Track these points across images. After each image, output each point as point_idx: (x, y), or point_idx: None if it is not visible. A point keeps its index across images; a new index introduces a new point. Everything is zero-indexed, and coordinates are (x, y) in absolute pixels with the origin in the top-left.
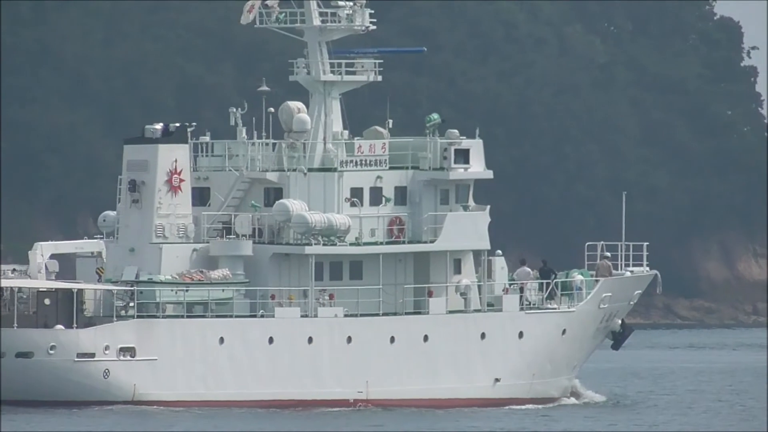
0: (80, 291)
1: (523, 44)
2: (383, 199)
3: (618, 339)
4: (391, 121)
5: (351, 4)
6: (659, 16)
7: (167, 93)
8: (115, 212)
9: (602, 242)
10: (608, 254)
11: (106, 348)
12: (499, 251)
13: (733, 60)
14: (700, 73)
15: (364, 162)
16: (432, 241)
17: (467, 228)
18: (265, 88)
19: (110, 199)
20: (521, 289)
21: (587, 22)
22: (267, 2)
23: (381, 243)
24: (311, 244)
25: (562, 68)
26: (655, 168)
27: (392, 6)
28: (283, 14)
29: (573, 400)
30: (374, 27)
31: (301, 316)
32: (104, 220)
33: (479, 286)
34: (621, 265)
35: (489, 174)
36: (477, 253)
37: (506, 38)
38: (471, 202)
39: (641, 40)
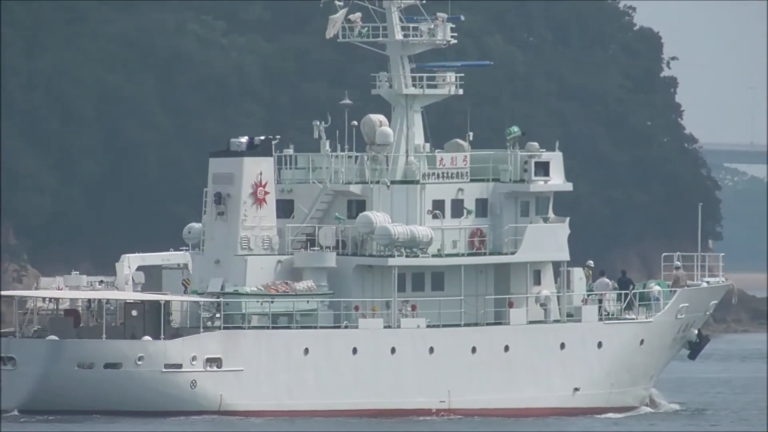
0: (167, 302)
1: (444, 55)
2: (464, 211)
3: (695, 349)
4: (471, 133)
5: (433, 18)
6: (580, 26)
7: (88, 103)
8: (199, 224)
9: (678, 253)
10: (679, 264)
11: (193, 359)
12: (591, 261)
13: (653, 70)
14: (620, 84)
15: (445, 174)
16: (512, 253)
17: (547, 239)
18: (347, 101)
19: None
20: (600, 300)
21: (507, 33)
22: (350, 17)
23: (462, 254)
24: (394, 256)
25: (483, 78)
26: (575, 178)
27: (312, 16)
28: (366, 29)
29: (650, 409)
30: (455, 41)
31: (384, 327)
32: (189, 232)
33: (558, 297)
34: (697, 275)
35: (569, 186)
36: (556, 264)
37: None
38: (551, 214)
39: (562, 51)
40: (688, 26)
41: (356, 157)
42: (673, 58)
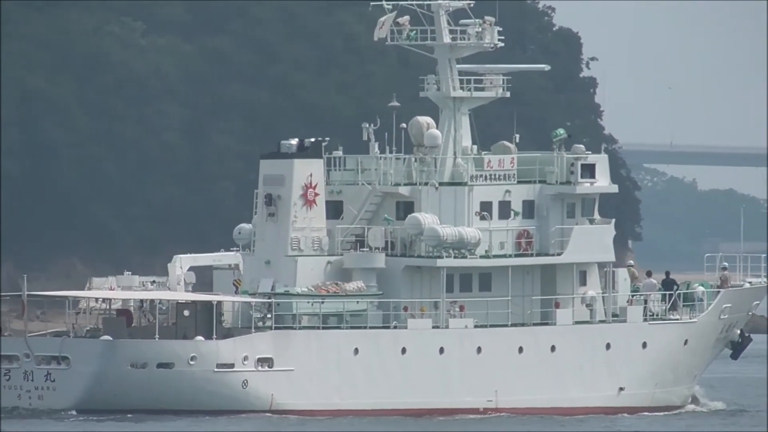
0: (219, 303)
1: (362, 55)
2: (512, 212)
3: (737, 348)
4: (518, 135)
5: (480, 21)
6: (499, 26)
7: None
8: (249, 225)
9: (721, 254)
10: (726, 264)
11: (245, 359)
12: (631, 261)
13: (572, 71)
14: (540, 85)
15: (493, 176)
16: (559, 254)
17: (593, 241)
18: (395, 103)
19: None
20: (645, 300)
21: (424, 33)
22: (398, 20)
23: (510, 255)
24: (443, 257)
25: (402, 79)
26: None
27: (230, 17)
28: (414, 32)
29: (693, 407)
30: (503, 44)
31: (433, 327)
32: (239, 233)
33: (604, 298)
34: (740, 276)
35: (614, 188)
36: (601, 265)
37: (346, 49)
38: (596, 216)
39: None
40: (607, 26)
41: (404, 159)
42: (592, 59)
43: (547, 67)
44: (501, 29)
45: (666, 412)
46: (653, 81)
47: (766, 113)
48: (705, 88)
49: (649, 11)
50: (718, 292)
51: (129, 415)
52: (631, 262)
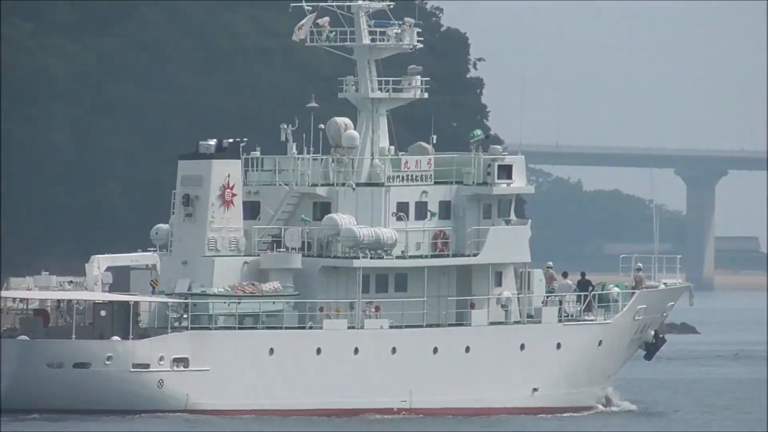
0: (136, 303)
1: (249, 56)
2: (428, 213)
3: (651, 350)
4: (435, 136)
5: (400, 23)
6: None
7: None
8: (166, 225)
9: (636, 254)
10: (640, 265)
11: (161, 359)
12: (550, 263)
13: (459, 72)
14: (426, 86)
15: (410, 177)
16: (475, 255)
17: (509, 241)
18: (313, 104)
19: None
20: (560, 301)
21: (313, 34)
22: (318, 21)
23: (426, 256)
24: (359, 258)
25: (289, 80)
26: None
27: (119, 18)
28: (334, 33)
29: (606, 408)
30: (422, 45)
31: (348, 328)
32: (156, 233)
33: (519, 298)
34: (654, 277)
35: (531, 189)
36: (517, 266)
37: (232, 50)
38: (512, 217)
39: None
40: (495, 27)
41: (322, 159)
42: (479, 59)
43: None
44: (420, 30)
45: (579, 413)
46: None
47: (651, 114)
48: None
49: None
50: (633, 293)
51: (49, 415)
52: (549, 263)
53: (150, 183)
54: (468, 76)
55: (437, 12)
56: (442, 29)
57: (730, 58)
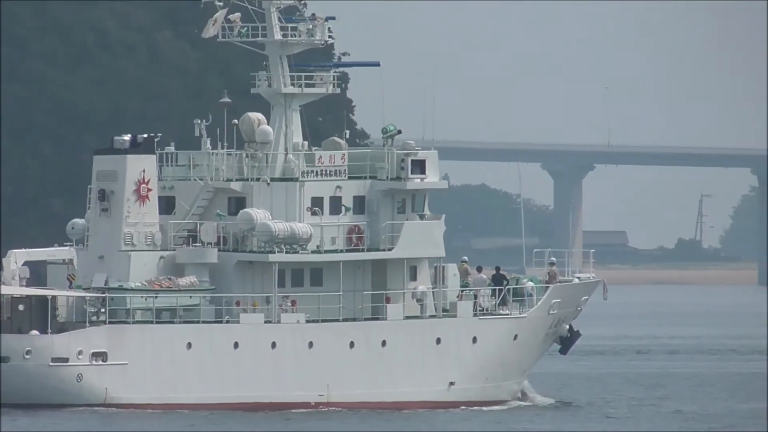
0: (54, 297)
1: (114, 51)
2: (343, 208)
3: (566, 344)
4: (348, 131)
5: (310, 18)
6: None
7: None
8: (82, 220)
9: (549, 249)
10: (554, 260)
11: (80, 353)
12: (465, 257)
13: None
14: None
15: (324, 172)
16: (390, 249)
17: (423, 236)
18: (226, 99)
19: None
20: (475, 296)
21: (178, 29)
22: (229, 17)
23: (341, 251)
24: (274, 252)
25: (154, 75)
26: None
27: None
28: (246, 28)
29: (522, 402)
30: (333, 40)
31: (265, 322)
32: (72, 228)
33: (434, 293)
34: (568, 272)
35: (444, 184)
36: (431, 261)
37: (98, 45)
38: (427, 211)
39: (233, 46)
40: (360, 21)
41: (236, 154)
42: (344, 54)
43: (378, 63)
44: (330, 26)
45: (495, 407)
46: (405, 75)
47: (518, 109)
48: (457, 82)
49: (398, 6)
50: (547, 287)
51: None
52: (465, 257)
53: (16, 178)
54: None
55: (301, 4)
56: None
57: (596, 53)
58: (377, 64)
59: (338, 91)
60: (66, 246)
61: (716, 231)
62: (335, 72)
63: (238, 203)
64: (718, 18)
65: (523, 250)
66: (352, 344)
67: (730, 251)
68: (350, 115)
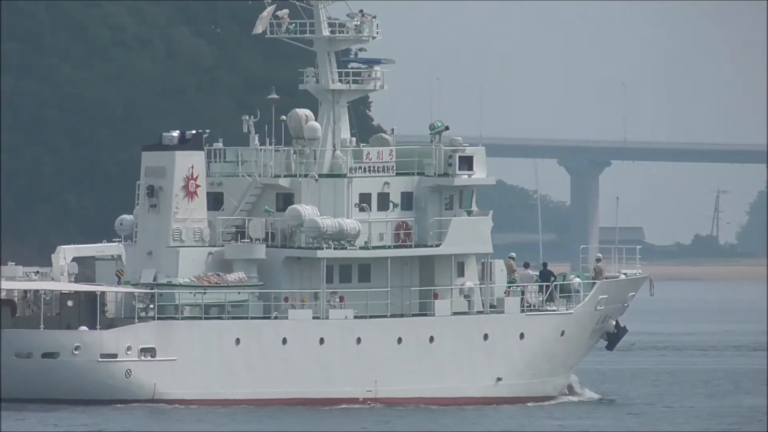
0: (103, 293)
1: (129, 47)
2: (390, 204)
3: (612, 340)
4: (395, 128)
5: (359, 15)
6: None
7: None
8: (131, 216)
9: (597, 245)
10: (600, 256)
11: (128, 348)
12: (513, 254)
13: (339, 61)
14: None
15: (372, 168)
16: (437, 245)
17: (471, 232)
18: (274, 95)
19: None
20: (522, 292)
21: (193, 24)
22: (277, 13)
23: (389, 247)
24: (322, 248)
25: (168, 71)
26: None
27: None
28: (294, 25)
29: (569, 398)
30: (381, 37)
31: (313, 318)
32: (121, 224)
33: (481, 289)
34: (615, 268)
35: (492, 180)
36: (479, 257)
37: (112, 41)
38: (474, 207)
39: (247, 43)
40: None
41: (284, 151)
42: (361, 50)
43: (393, 61)
44: (378, 23)
45: (542, 402)
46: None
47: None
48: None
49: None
50: (594, 283)
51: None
52: (512, 254)
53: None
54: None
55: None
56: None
57: (613, 50)
58: (392, 62)
59: (386, 87)
60: (114, 242)
61: (732, 227)
62: (382, 69)
63: (286, 199)
64: (738, 15)
65: (540, 245)
66: (399, 340)
67: (746, 247)
68: (367, 111)
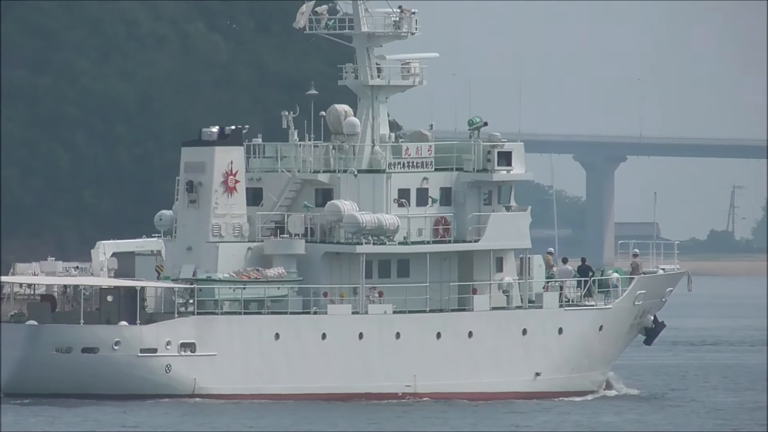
0: (142, 288)
1: (144, 42)
2: (429, 199)
3: (650, 334)
4: (433, 123)
5: (398, 11)
6: (281, 14)
7: None
8: (170, 211)
9: (634, 240)
10: (637, 251)
11: (168, 344)
12: (551, 248)
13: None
14: (322, 71)
15: (411, 164)
16: (476, 241)
17: (509, 228)
18: (313, 91)
19: None
20: (561, 287)
21: (209, 20)
22: (317, 9)
23: (428, 242)
24: (362, 243)
25: (185, 66)
26: None
27: (11, 5)
28: (333, 20)
29: (607, 392)
30: (420, 33)
31: (352, 313)
32: (160, 219)
33: (520, 284)
34: (653, 263)
35: (530, 175)
36: (517, 252)
37: (128, 36)
38: (513, 203)
39: (263, 38)
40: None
41: (323, 146)
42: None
43: (436, 55)
44: (417, 19)
45: (581, 397)
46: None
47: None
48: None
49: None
50: (632, 278)
51: (59, 399)
52: (550, 249)
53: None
54: None
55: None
56: (338, 14)
57: (629, 45)
58: (436, 55)
59: (425, 82)
60: (154, 237)
61: (748, 222)
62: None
63: (325, 195)
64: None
65: (555, 241)
66: (438, 335)
67: (762, 242)
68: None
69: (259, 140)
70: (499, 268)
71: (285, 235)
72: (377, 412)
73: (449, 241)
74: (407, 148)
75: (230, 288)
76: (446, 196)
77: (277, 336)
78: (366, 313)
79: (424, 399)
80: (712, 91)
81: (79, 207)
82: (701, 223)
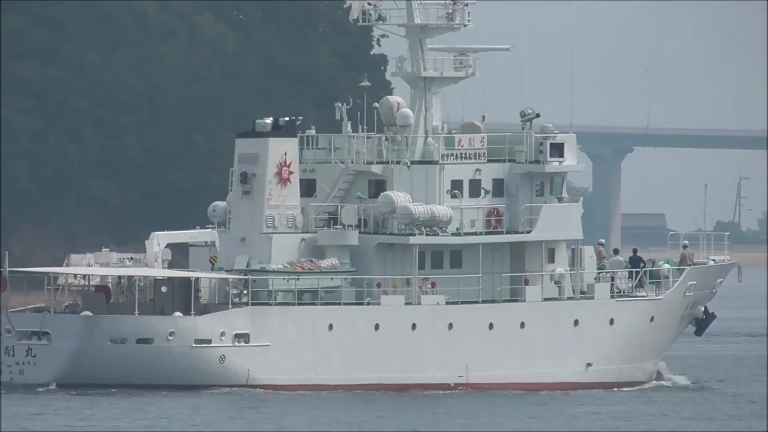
0: (197, 279)
1: (153, 34)
2: (482, 191)
3: (701, 325)
4: (485, 114)
5: (451, 3)
6: (289, 5)
7: None
8: (223, 202)
9: (684, 232)
10: (687, 243)
11: (222, 334)
12: (602, 240)
13: (363, 48)
14: (330, 63)
15: (463, 155)
16: (528, 232)
17: (561, 219)
18: (366, 83)
19: None
20: (612, 278)
21: (217, 11)
22: (370, 1)
23: (480, 233)
24: (414, 234)
25: (193, 58)
26: None
27: None
28: (385, 12)
29: (659, 383)
30: (472, 25)
31: (405, 304)
32: (213, 210)
33: (572, 275)
34: (703, 254)
35: (582, 167)
36: (569, 243)
37: (136, 28)
38: (565, 194)
39: (271, 30)
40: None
41: (376, 138)
42: (383, 36)
43: (508, 48)
44: (470, 11)
45: (632, 388)
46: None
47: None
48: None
49: None
50: (683, 269)
51: (113, 390)
52: (602, 240)
53: (56, 161)
54: (372, 53)
55: None
56: (345, 6)
57: (636, 36)
58: (507, 49)
59: (477, 74)
60: (208, 228)
61: (755, 213)
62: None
63: (378, 186)
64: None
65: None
66: (491, 326)
67: None
68: (389, 97)
69: (313, 131)
70: (551, 259)
71: (338, 226)
72: (430, 402)
73: (501, 232)
74: (460, 140)
75: (284, 279)
76: (498, 187)
77: (330, 327)
78: (419, 303)
79: (476, 390)
80: (720, 82)
81: (87, 198)
82: (708, 214)
